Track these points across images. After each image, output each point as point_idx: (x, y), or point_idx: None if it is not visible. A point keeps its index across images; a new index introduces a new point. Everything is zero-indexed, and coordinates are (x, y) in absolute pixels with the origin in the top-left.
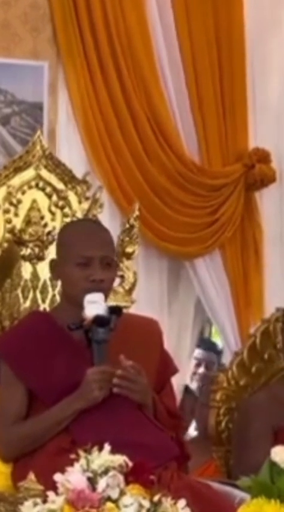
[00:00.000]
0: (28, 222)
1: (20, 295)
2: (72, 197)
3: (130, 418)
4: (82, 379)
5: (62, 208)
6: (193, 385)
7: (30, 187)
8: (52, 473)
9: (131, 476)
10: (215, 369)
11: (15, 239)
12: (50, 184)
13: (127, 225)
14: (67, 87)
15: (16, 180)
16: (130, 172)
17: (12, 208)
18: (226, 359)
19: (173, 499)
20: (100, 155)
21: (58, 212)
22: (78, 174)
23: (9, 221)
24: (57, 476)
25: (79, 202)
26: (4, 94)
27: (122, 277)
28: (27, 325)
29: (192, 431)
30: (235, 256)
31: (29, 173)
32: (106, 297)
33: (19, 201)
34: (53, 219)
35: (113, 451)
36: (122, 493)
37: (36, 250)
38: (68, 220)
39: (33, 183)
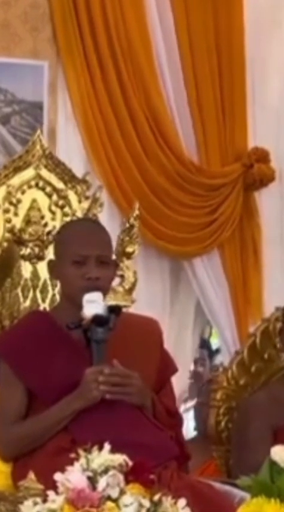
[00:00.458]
0: (28, 221)
1: (20, 294)
2: (72, 196)
3: (129, 418)
4: (82, 378)
5: (61, 207)
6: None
7: (30, 187)
8: (52, 472)
9: (131, 475)
10: (208, 365)
11: (15, 239)
12: (49, 183)
13: (127, 225)
14: (67, 87)
15: (16, 180)
16: (129, 172)
17: (12, 208)
18: (225, 359)
19: (173, 499)
20: (100, 155)
21: (58, 212)
22: (78, 173)
23: (9, 221)
24: (57, 476)
25: (79, 201)
26: (4, 93)
27: (122, 276)
28: (27, 324)
29: (192, 430)
30: (234, 256)
31: (28, 173)
32: (104, 295)
33: (19, 201)
34: (53, 219)
35: (113, 451)
36: (122, 493)
37: (36, 249)
38: (68, 219)
39: (33, 183)
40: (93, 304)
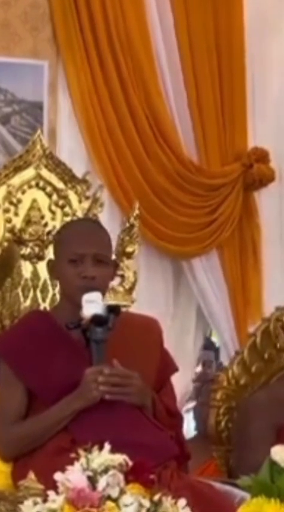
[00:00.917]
0: (28, 221)
1: (20, 294)
2: (72, 196)
3: (129, 418)
4: (81, 378)
5: (62, 207)
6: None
7: (30, 187)
8: (52, 472)
9: (131, 475)
10: (214, 367)
11: (15, 238)
12: (50, 183)
13: (128, 224)
14: (67, 87)
15: (16, 180)
16: (130, 171)
17: (12, 208)
18: (223, 359)
19: (173, 499)
20: (100, 155)
21: (58, 211)
22: (78, 173)
23: (9, 220)
24: (57, 476)
25: (80, 201)
26: (4, 93)
27: (122, 276)
28: (27, 324)
29: (192, 430)
30: (233, 256)
31: (29, 172)
32: (103, 295)
33: (19, 201)
34: (53, 219)
35: (113, 451)
36: (122, 492)
37: (36, 249)
38: (68, 219)
39: (33, 183)
40: (92, 304)
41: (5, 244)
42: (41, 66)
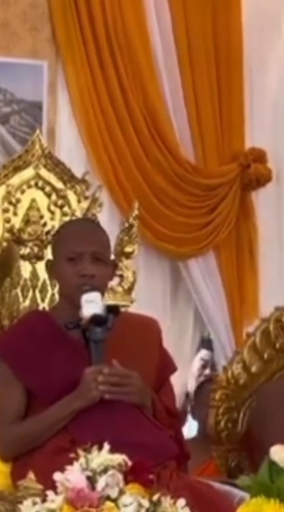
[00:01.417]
0: (27, 221)
1: (20, 294)
2: (71, 196)
3: (129, 418)
4: (81, 378)
5: (61, 207)
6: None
7: (29, 187)
8: (51, 472)
9: (130, 475)
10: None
11: (14, 238)
12: (49, 183)
13: (127, 224)
14: (66, 86)
15: (15, 179)
16: (129, 171)
17: (11, 208)
18: (219, 359)
19: (172, 499)
20: (100, 154)
21: (57, 211)
22: (77, 173)
23: (8, 220)
24: (57, 476)
25: (79, 201)
26: (3, 93)
27: (121, 276)
28: (26, 324)
29: (191, 431)
30: (230, 257)
31: (28, 172)
32: (102, 294)
33: (18, 200)
34: (52, 218)
35: (112, 451)
36: (121, 492)
37: (36, 249)
38: (67, 219)
39: (32, 182)
40: (92, 304)
41: (4, 244)
42: (40, 66)
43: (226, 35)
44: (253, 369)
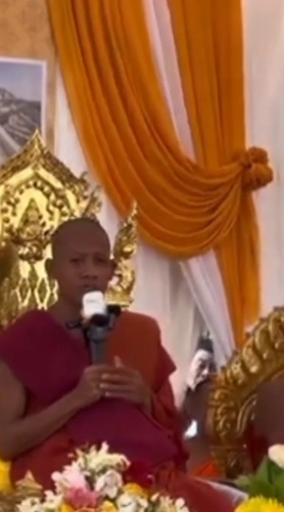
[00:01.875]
0: (26, 221)
1: (18, 294)
2: (70, 196)
3: (128, 417)
4: (80, 377)
5: (60, 207)
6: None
7: (28, 187)
8: (50, 472)
9: (129, 475)
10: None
11: (13, 238)
12: (48, 183)
13: (125, 224)
14: (65, 86)
15: (14, 179)
16: (127, 171)
17: (10, 208)
18: (219, 359)
19: (171, 498)
20: (98, 154)
21: (56, 211)
22: (76, 173)
23: (7, 220)
24: (55, 475)
25: (77, 201)
26: (2, 93)
27: (120, 276)
28: (25, 324)
29: (192, 431)
30: (230, 256)
31: (27, 172)
32: (103, 294)
33: (17, 200)
34: (51, 218)
35: (111, 450)
36: (120, 492)
37: (34, 249)
38: (66, 219)
39: (31, 182)
40: (93, 304)
41: (3, 244)
42: (39, 66)
43: (226, 34)
44: (252, 369)
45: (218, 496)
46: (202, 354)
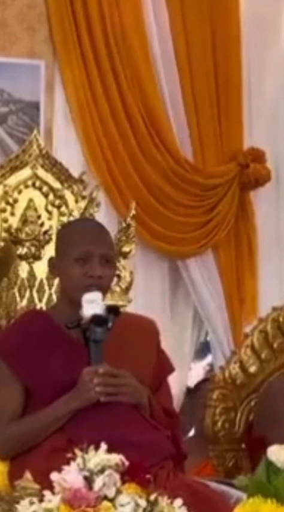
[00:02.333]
0: (25, 221)
1: (17, 294)
2: (68, 196)
3: (126, 417)
4: (79, 377)
5: (58, 207)
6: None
7: (26, 187)
8: (48, 472)
9: (127, 475)
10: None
11: (11, 238)
12: (46, 183)
13: (124, 224)
14: (63, 86)
15: (12, 179)
16: (126, 171)
17: (8, 208)
18: (217, 359)
19: (169, 498)
20: (97, 154)
21: (55, 211)
22: (75, 173)
23: (5, 220)
24: (54, 475)
25: (76, 201)
26: (1, 93)
27: (119, 276)
28: (24, 323)
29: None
30: (229, 257)
31: (25, 172)
32: (104, 295)
33: (15, 200)
34: (49, 218)
35: (109, 450)
36: (118, 492)
37: (33, 249)
38: (64, 219)
39: (29, 182)
40: (92, 304)
41: (1, 244)
42: (38, 66)
43: (225, 35)
44: (251, 369)
45: (216, 496)
46: (209, 359)
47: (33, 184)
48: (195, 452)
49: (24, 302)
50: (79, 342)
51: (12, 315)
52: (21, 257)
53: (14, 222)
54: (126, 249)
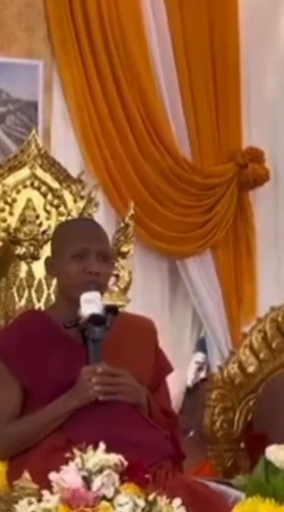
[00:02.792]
0: (23, 221)
1: (15, 294)
2: (67, 196)
3: (124, 417)
4: (78, 377)
5: (57, 207)
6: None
7: (25, 187)
8: (47, 472)
9: (126, 475)
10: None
11: (10, 238)
12: (45, 183)
13: (122, 224)
14: (62, 86)
15: (11, 179)
16: (125, 171)
17: (7, 207)
18: (216, 359)
19: (168, 498)
20: (95, 154)
21: (53, 211)
22: (73, 173)
23: (4, 220)
24: (52, 475)
25: (75, 201)
26: None
27: (117, 276)
28: (22, 323)
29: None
30: (227, 256)
31: (24, 172)
32: (102, 293)
33: (14, 200)
34: (48, 218)
35: (108, 450)
36: (117, 492)
37: (31, 249)
38: (63, 219)
39: (28, 182)
40: (91, 304)
41: (0, 244)
42: (36, 66)
43: (223, 35)
44: (249, 369)
45: (215, 496)
46: (198, 356)
47: (32, 184)
48: (193, 452)
49: (23, 302)
50: (78, 342)
51: (10, 315)
52: (20, 257)
53: (13, 221)
54: (124, 248)
